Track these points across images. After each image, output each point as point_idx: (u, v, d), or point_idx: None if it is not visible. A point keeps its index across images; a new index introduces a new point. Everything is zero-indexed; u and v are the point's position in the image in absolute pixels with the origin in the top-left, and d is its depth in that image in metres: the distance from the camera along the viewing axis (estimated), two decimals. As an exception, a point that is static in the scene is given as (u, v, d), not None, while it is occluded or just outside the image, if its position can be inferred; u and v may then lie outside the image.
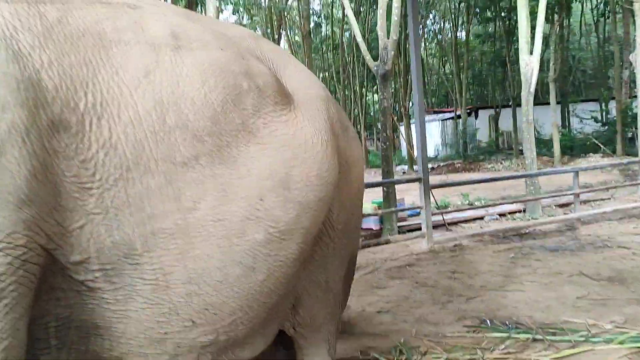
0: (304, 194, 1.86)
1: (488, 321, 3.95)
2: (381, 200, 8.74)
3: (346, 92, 32.92)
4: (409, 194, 10.03)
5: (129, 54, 1.57)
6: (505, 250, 6.49)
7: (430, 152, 31.71)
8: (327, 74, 35.27)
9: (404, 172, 22.51)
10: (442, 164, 25.94)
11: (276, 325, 2.17)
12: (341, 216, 2.28)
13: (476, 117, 31.57)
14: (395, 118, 23.20)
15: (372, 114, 38.86)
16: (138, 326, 1.56)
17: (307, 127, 1.98)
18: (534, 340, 3.56)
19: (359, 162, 2.44)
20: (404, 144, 28.52)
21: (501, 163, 22.19)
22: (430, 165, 25.86)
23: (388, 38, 8.14)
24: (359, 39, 8.97)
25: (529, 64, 9.43)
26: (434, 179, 16.21)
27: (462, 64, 29.71)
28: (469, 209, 9.15)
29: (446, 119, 32.57)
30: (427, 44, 40.78)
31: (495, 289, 4.79)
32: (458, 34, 31.34)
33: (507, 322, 3.90)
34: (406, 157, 26.10)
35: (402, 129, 23.98)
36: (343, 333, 3.98)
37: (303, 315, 2.29)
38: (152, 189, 1.52)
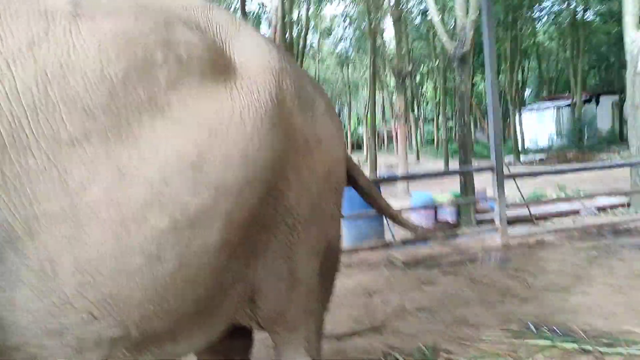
0: (221, 176, 1.67)
1: (532, 326, 3.50)
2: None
3: (455, 81, 31.60)
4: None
5: (15, 24, 1.48)
6: (589, 248, 5.78)
7: (544, 142, 29.74)
8: (437, 61, 33.99)
9: (509, 163, 21.25)
10: (554, 154, 24.19)
11: (221, 319, 2.00)
12: (303, 202, 2.06)
13: (597, 103, 29.01)
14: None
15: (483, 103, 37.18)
16: (28, 317, 1.47)
17: (239, 102, 1.78)
18: (582, 350, 3.10)
19: (329, 142, 2.20)
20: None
21: (619, 153, 20.12)
22: (540, 156, 24.26)
23: (467, 18, 7.62)
24: (436, 19, 8.49)
25: (635, 41, 8.37)
26: (535, 170, 15.17)
27: (585, 46, 27.35)
28: (556, 201, 8.33)
29: (562, 107, 30.20)
30: (546, 26, 38.01)
31: (558, 291, 4.25)
32: (578, 14, 28.81)
33: (555, 329, 3.43)
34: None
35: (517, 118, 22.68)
36: (372, 331, 3.75)
37: (265, 310, 2.11)
38: (33, 169, 1.43)
